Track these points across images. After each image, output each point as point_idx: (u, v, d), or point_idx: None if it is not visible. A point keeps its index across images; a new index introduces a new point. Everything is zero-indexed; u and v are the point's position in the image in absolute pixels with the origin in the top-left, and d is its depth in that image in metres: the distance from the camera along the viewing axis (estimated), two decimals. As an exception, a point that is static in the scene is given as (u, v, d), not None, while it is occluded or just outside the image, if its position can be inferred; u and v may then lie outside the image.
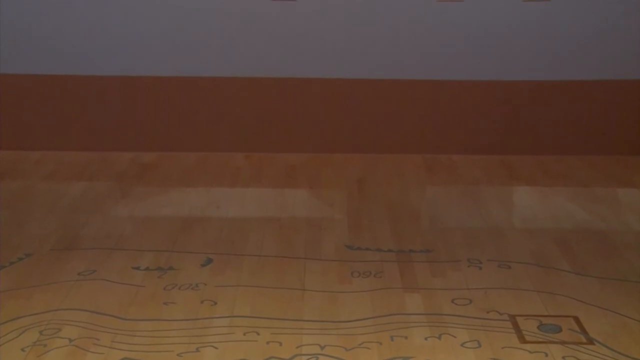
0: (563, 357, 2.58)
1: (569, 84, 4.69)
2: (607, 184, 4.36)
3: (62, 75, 4.68)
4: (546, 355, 2.59)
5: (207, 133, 4.79)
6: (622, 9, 4.56)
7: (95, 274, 3.19)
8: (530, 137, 4.77)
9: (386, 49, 4.66)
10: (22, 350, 2.60)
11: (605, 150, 4.74)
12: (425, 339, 2.70)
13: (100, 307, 2.90)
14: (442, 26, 4.62)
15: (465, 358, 2.58)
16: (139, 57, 4.67)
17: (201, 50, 4.67)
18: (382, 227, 3.71)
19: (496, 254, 3.41)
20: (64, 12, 4.59)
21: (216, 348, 2.64)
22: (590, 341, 2.69)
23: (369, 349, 2.63)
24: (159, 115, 4.76)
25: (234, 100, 4.75)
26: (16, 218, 3.79)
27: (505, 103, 4.73)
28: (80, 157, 4.67)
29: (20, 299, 2.96)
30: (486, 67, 4.68)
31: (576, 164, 4.64)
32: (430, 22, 4.61)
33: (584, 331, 2.76)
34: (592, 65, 4.66)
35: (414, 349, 2.64)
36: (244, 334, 2.73)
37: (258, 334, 2.73)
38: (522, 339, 2.70)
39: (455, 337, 2.71)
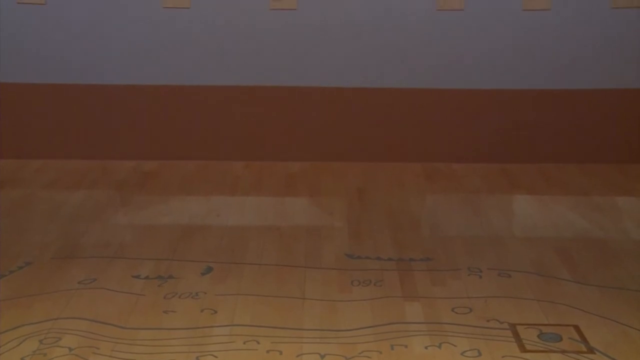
0: (563, 366, 2.58)
1: (569, 92, 4.70)
2: (607, 192, 4.36)
3: (63, 84, 4.69)
4: (546, 364, 2.59)
5: (207, 141, 4.80)
6: (622, 17, 4.57)
7: (95, 282, 3.19)
8: (530, 145, 4.78)
9: (386, 58, 4.67)
10: (22, 359, 2.60)
11: (605, 158, 4.75)
12: (426, 347, 2.70)
13: (100, 316, 2.90)
14: (442, 35, 4.63)
15: (465, 367, 2.58)
16: (139, 66, 4.68)
17: (201, 59, 4.68)
18: (382, 235, 3.71)
19: (496, 263, 3.41)
20: (65, 21, 4.60)
21: (216, 357, 2.64)
22: (591, 350, 2.68)
23: (369, 358, 2.63)
24: (160, 123, 4.77)
25: (234, 108, 4.76)
26: (16, 226, 3.79)
27: (505, 111, 4.73)
28: (80, 165, 4.67)
29: (21, 307, 2.96)
30: (486, 76, 4.69)
31: (576, 172, 4.64)
32: (430, 30, 4.62)
33: (584, 340, 2.75)
34: (591, 74, 4.67)
35: (414, 358, 2.64)
36: (244, 343, 2.73)
37: (258, 342, 2.73)
38: (523, 348, 2.70)
39: (455, 345, 2.71)
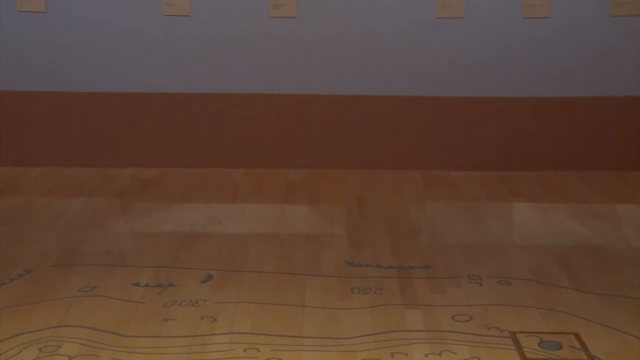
0: (564, 374, 2.58)
1: (568, 100, 4.71)
2: (607, 199, 4.37)
3: (63, 92, 4.69)
4: (547, 372, 2.59)
5: (207, 149, 4.80)
6: (621, 25, 4.58)
7: (95, 290, 3.19)
8: (530, 153, 4.78)
9: (385, 66, 4.68)
10: (22, 367, 2.61)
11: (605, 166, 4.75)
12: (426, 355, 2.70)
13: (100, 324, 2.90)
14: (442, 42, 4.64)
15: (465, 375, 2.58)
16: (139, 73, 4.68)
17: (201, 66, 4.69)
18: (381, 243, 3.71)
19: (496, 271, 3.41)
20: (65, 29, 4.61)
21: (216, 365, 2.64)
22: (591, 358, 2.68)
23: (369, 366, 2.63)
24: (160, 131, 4.77)
25: (234, 116, 4.76)
26: (16, 234, 3.79)
27: (505, 119, 4.74)
28: (80, 173, 4.67)
29: (20, 315, 2.96)
30: (485, 84, 4.70)
31: (576, 179, 4.64)
32: (430, 38, 4.64)
33: (584, 348, 2.75)
34: (591, 82, 4.67)
35: (415, 366, 2.64)
36: (244, 351, 2.73)
37: (258, 350, 2.73)
38: (523, 356, 2.70)
39: (455, 353, 2.71)
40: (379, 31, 4.63)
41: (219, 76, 4.70)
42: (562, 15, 4.58)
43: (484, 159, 4.78)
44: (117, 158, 4.77)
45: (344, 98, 4.73)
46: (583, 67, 4.66)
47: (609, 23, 4.58)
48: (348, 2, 4.59)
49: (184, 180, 4.62)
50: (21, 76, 4.66)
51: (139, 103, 4.72)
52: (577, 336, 2.83)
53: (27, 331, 2.84)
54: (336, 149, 4.80)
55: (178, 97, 4.73)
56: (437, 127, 4.77)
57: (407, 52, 4.66)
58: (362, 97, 4.73)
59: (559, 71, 4.67)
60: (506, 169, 4.76)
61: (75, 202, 4.24)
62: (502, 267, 3.44)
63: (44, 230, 3.84)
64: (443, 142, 4.78)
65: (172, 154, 4.79)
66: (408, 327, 2.91)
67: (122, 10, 4.58)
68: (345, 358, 2.68)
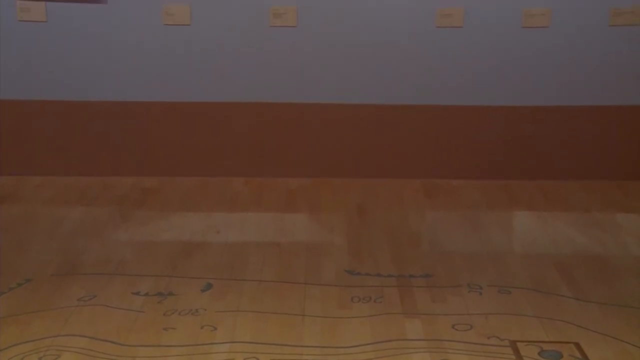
0: (564, 384, 2.58)
1: (569, 109, 4.71)
2: (607, 209, 4.36)
3: (63, 101, 4.70)
4: (547, 381, 2.59)
5: (207, 158, 4.80)
6: (621, 34, 4.59)
7: (95, 299, 3.19)
8: (530, 161, 4.78)
9: (385, 74, 4.69)
10: (21, 376, 2.60)
11: (605, 175, 4.75)
12: (426, 365, 2.70)
13: (99, 333, 2.90)
14: (442, 51, 4.65)
15: (466, 384, 2.57)
16: (139, 82, 4.69)
17: (201, 75, 4.70)
18: (382, 252, 3.71)
19: (496, 279, 3.40)
20: (64, 38, 4.62)
21: (216, 374, 2.63)
22: (592, 367, 2.68)
23: (369, 375, 2.63)
24: (160, 140, 4.78)
25: (234, 125, 4.76)
26: (16, 243, 3.78)
27: (505, 128, 4.74)
28: (80, 182, 4.68)
29: (20, 325, 2.95)
30: (486, 92, 4.70)
31: (576, 188, 4.64)
32: (430, 47, 4.64)
33: (585, 357, 2.75)
34: (591, 91, 4.68)
35: (415, 375, 2.63)
36: (244, 360, 2.72)
37: (258, 359, 2.72)
38: (523, 365, 2.70)
39: (455, 363, 2.71)
40: (379, 40, 4.64)
41: (219, 85, 4.71)
42: (562, 25, 4.59)
43: (484, 167, 4.79)
44: (117, 167, 4.77)
45: (344, 107, 4.74)
46: (583, 77, 4.66)
47: (609, 32, 4.59)
48: (348, 11, 4.60)
49: (184, 189, 4.62)
50: (22, 85, 4.67)
51: (139, 112, 4.72)
52: (578, 345, 2.83)
53: (26, 340, 2.83)
54: (336, 157, 4.81)
55: (178, 106, 4.73)
56: (438, 136, 4.77)
57: (407, 60, 4.67)
58: (362, 105, 4.73)
59: (558, 80, 4.68)
60: (506, 178, 4.76)
61: (76, 211, 4.24)
62: (503, 276, 3.44)
63: (44, 239, 3.83)
64: (443, 150, 4.79)
65: (172, 163, 4.79)
66: (408, 336, 2.91)
67: (122, 20, 4.60)
68: (345, 367, 2.68)
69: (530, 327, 2.97)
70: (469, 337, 2.89)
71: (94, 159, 4.77)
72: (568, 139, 4.75)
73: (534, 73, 4.67)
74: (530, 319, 3.04)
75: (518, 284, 3.35)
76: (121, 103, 4.71)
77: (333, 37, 4.64)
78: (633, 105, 4.69)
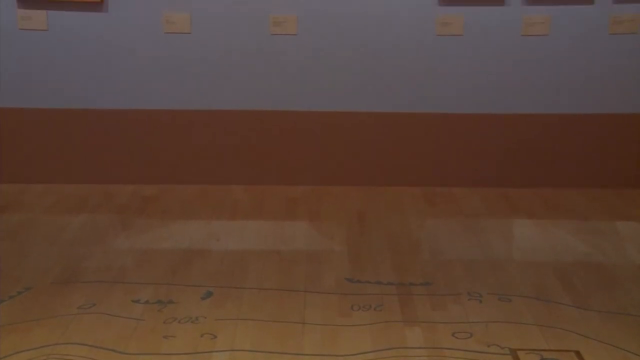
0: (564, 392, 2.57)
1: (568, 116, 4.72)
2: (607, 217, 4.37)
3: (64, 109, 4.71)
4: (547, 389, 2.58)
5: (207, 166, 4.81)
6: (620, 43, 4.60)
7: (95, 307, 3.19)
8: (530, 169, 4.79)
9: (386, 83, 4.70)
10: (21, 384, 2.60)
11: (605, 183, 4.76)
12: (426, 373, 2.70)
13: (99, 341, 2.90)
14: (442, 60, 4.66)
15: (466, 393, 2.57)
16: (140, 90, 4.70)
17: (202, 83, 4.70)
18: (382, 259, 3.71)
19: (496, 287, 3.40)
20: (65, 47, 4.63)
21: (216, 382, 2.63)
22: (592, 375, 2.68)
23: (369, 384, 2.62)
24: (160, 148, 4.78)
25: (234, 132, 4.77)
26: (17, 251, 3.79)
27: (505, 136, 4.75)
28: (81, 189, 4.68)
29: (20, 333, 2.95)
30: (485, 100, 4.71)
31: (576, 196, 4.64)
32: (430, 55, 4.65)
33: (585, 365, 2.75)
34: (591, 99, 4.69)
35: (415, 384, 2.63)
36: (244, 368, 2.72)
37: (258, 368, 2.72)
38: (523, 374, 2.70)
39: (455, 371, 2.71)
40: (379, 48, 4.65)
41: (219, 93, 4.72)
42: (562, 33, 4.60)
43: (485, 175, 4.79)
44: (117, 174, 4.78)
45: (344, 115, 4.74)
46: (582, 84, 4.67)
47: (608, 41, 4.60)
48: (348, 19, 4.61)
49: (184, 197, 4.62)
50: (23, 93, 4.68)
51: (139, 120, 4.73)
52: (578, 353, 2.82)
53: (26, 348, 2.83)
54: (336, 165, 4.81)
55: (178, 113, 4.74)
56: (438, 144, 4.78)
57: (407, 69, 4.68)
58: (363, 113, 4.74)
59: (558, 88, 4.68)
60: (506, 186, 4.76)
61: (76, 219, 4.24)
62: (503, 284, 3.44)
63: (45, 247, 3.84)
64: (444, 158, 4.79)
65: (172, 171, 4.80)
66: (408, 344, 2.90)
67: (122, 28, 4.61)
68: (345, 375, 2.68)
69: (531, 335, 2.97)
70: (469, 345, 2.88)
71: (94, 167, 4.78)
72: (568, 146, 4.76)
73: (534, 81, 4.68)
74: (530, 327, 3.04)
75: (518, 292, 3.35)
76: (122, 111, 4.72)
77: (333, 45, 4.65)
78: (633, 113, 4.69)
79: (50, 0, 4.54)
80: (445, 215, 4.38)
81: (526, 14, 4.58)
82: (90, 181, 4.76)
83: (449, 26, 4.60)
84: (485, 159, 4.78)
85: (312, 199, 4.58)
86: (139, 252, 3.84)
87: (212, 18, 4.61)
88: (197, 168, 4.80)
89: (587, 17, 4.57)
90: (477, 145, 4.77)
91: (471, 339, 2.94)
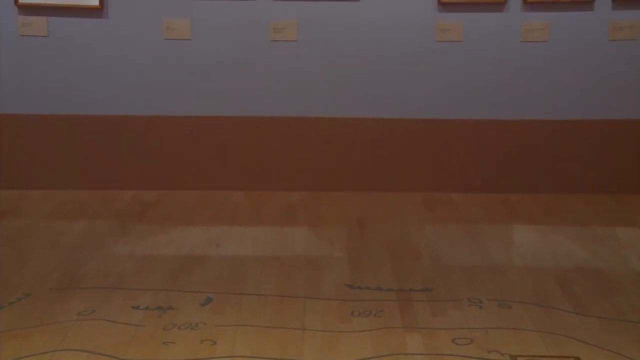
0: (565, 398, 2.57)
1: (568, 123, 4.72)
2: (607, 223, 4.36)
3: (64, 115, 4.71)
4: (548, 396, 2.58)
5: (207, 171, 4.81)
6: (620, 49, 4.60)
7: (94, 313, 3.18)
8: (530, 175, 4.79)
9: (385, 88, 4.70)
10: (21, 391, 2.60)
11: (605, 189, 4.76)
12: (426, 379, 2.69)
13: (99, 347, 2.89)
14: (442, 66, 4.67)
15: (466, 399, 2.57)
16: (140, 96, 4.70)
17: (201, 90, 4.71)
18: (382, 265, 3.71)
19: (496, 293, 3.40)
20: (65, 53, 4.63)
21: (216, 389, 2.63)
22: (592, 382, 2.67)
23: (369, 390, 2.62)
24: (159, 153, 4.78)
25: (234, 138, 4.77)
26: (17, 257, 3.78)
27: (505, 142, 4.75)
28: (81, 195, 4.68)
29: (19, 339, 2.95)
30: (485, 106, 4.71)
31: (576, 202, 4.64)
32: (430, 61, 4.66)
33: (585, 372, 2.74)
34: (591, 105, 4.69)
35: (415, 390, 2.62)
36: (244, 375, 2.72)
37: (258, 374, 2.72)
38: (524, 380, 2.69)
39: (456, 377, 2.70)
40: (379, 54, 4.65)
41: (219, 99, 4.72)
42: (561, 39, 4.61)
43: (484, 181, 4.79)
44: (117, 180, 4.78)
45: (344, 120, 4.75)
46: (582, 91, 4.67)
47: (608, 47, 4.60)
48: (348, 26, 4.61)
49: (184, 203, 4.62)
50: (23, 99, 4.68)
51: (139, 126, 4.73)
52: (578, 360, 2.83)
53: (26, 355, 2.83)
54: (336, 171, 4.81)
55: (178, 119, 4.74)
56: (438, 149, 4.78)
57: (406, 75, 4.68)
58: (362, 119, 4.74)
59: (557, 94, 4.69)
60: (506, 191, 4.76)
61: (76, 225, 4.24)
62: (503, 290, 3.43)
63: (44, 253, 3.83)
64: (443, 164, 4.79)
65: (172, 176, 4.80)
66: (408, 350, 2.90)
67: (123, 34, 4.61)
68: (345, 382, 2.67)
69: (531, 342, 2.97)
70: (469, 352, 2.88)
71: (94, 173, 4.78)
72: (567, 152, 4.76)
73: (533, 87, 4.68)
74: (530, 334, 3.03)
75: (518, 298, 3.35)
76: (121, 117, 4.72)
77: (333, 52, 4.65)
78: (632, 119, 4.69)
79: (50, 6, 4.54)
80: (445, 221, 4.38)
81: (525, 20, 4.58)
82: (89, 187, 4.76)
83: (449, 32, 4.60)
84: (485, 164, 4.78)
85: (311, 205, 4.58)
86: (138, 258, 3.84)
87: (212, 24, 4.61)
88: (196, 173, 4.80)
89: (586, 24, 4.58)
90: (477, 151, 4.77)
91: (471, 345, 2.94)
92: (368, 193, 4.77)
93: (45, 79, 4.66)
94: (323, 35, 4.63)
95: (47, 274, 3.58)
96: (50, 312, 3.19)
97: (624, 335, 3.03)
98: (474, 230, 4.21)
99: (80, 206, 4.52)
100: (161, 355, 2.85)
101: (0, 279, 3.50)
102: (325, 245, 4.01)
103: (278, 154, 4.79)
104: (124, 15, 4.59)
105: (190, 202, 4.62)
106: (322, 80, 4.69)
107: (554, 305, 3.29)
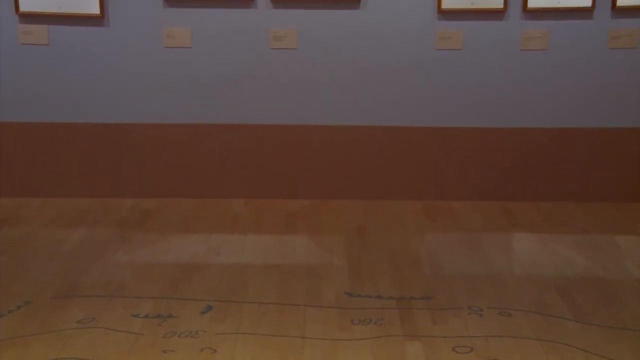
0: (565, 407, 2.56)
1: (568, 131, 4.73)
2: (608, 231, 4.36)
3: (64, 123, 4.71)
4: (548, 404, 2.57)
5: (206, 179, 4.81)
6: (619, 57, 4.61)
7: (94, 321, 3.18)
8: (530, 183, 4.79)
9: (385, 96, 4.71)
10: (20, 399, 2.59)
11: (605, 197, 4.76)
12: (427, 388, 2.69)
13: (99, 356, 2.89)
14: (441, 74, 4.67)
15: (466, 408, 2.56)
16: (140, 104, 4.71)
17: (202, 97, 4.71)
18: (382, 274, 3.71)
19: (497, 302, 3.40)
20: (66, 61, 4.64)
21: (215, 397, 2.62)
22: (593, 390, 2.67)
23: (369, 399, 2.62)
24: (159, 161, 4.79)
25: (234, 146, 4.78)
26: (16, 265, 3.78)
27: (505, 150, 4.76)
28: (80, 203, 4.68)
29: (19, 348, 2.95)
30: (485, 114, 4.72)
31: (576, 210, 4.64)
32: (429, 69, 4.67)
33: (586, 380, 2.74)
34: (590, 113, 4.70)
35: (415, 399, 2.62)
36: (244, 383, 2.71)
37: (258, 383, 2.71)
38: (524, 388, 2.69)
39: (456, 386, 2.70)
40: (379, 62, 4.66)
41: (219, 107, 4.73)
42: (560, 47, 4.62)
43: (484, 189, 4.79)
44: (117, 188, 4.78)
45: (344, 128, 4.75)
46: (581, 99, 4.68)
47: (607, 55, 4.61)
48: (348, 33, 4.62)
49: (184, 211, 4.62)
50: (23, 107, 4.69)
51: (139, 134, 4.74)
52: (579, 368, 2.82)
53: (25, 363, 2.83)
54: (336, 179, 4.81)
55: (178, 127, 4.75)
56: (437, 158, 4.78)
57: (407, 82, 4.69)
58: (363, 127, 4.75)
59: (557, 102, 4.69)
60: (507, 200, 4.76)
61: (76, 233, 4.24)
62: (503, 298, 3.43)
63: (44, 262, 3.83)
64: (443, 172, 4.80)
65: (172, 184, 4.80)
66: (408, 358, 2.90)
67: (123, 42, 4.62)
68: (346, 390, 2.67)
69: (531, 350, 2.97)
70: (470, 360, 2.88)
71: (94, 181, 4.78)
72: (567, 160, 4.76)
73: (533, 95, 4.69)
74: (531, 342, 3.03)
75: (518, 307, 3.35)
76: (122, 125, 4.73)
77: (333, 60, 4.66)
78: (632, 128, 4.70)
79: (51, 14, 4.55)
80: (445, 229, 4.38)
81: (525, 28, 4.59)
82: (89, 195, 4.76)
83: (449, 40, 4.61)
84: (485, 172, 4.78)
85: (311, 213, 4.58)
86: (138, 266, 3.84)
87: (212, 32, 4.62)
88: (196, 182, 4.80)
89: (586, 32, 4.59)
90: (477, 159, 4.77)
91: (471, 353, 2.94)
92: (368, 201, 4.77)
93: (46, 87, 4.67)
94: (323, 43, 4.64)
95: (47, 282, 3.58)
96: (50, 320, 3.18)
97: (624, 343, 3.03)
98: (474, 238, 4.21)
99: (80, 214, 4.52)
100: (161, 363, 2.85)
101: (0, 287, 3.50)
102: (326, 254, 4.01)
103: (278, 162, 4.80)
104: (125, 23, 4.60)
105: (190, 210, 4.62)
106: (323, 88, 4.70)
107: (554, 313, 3.29)
